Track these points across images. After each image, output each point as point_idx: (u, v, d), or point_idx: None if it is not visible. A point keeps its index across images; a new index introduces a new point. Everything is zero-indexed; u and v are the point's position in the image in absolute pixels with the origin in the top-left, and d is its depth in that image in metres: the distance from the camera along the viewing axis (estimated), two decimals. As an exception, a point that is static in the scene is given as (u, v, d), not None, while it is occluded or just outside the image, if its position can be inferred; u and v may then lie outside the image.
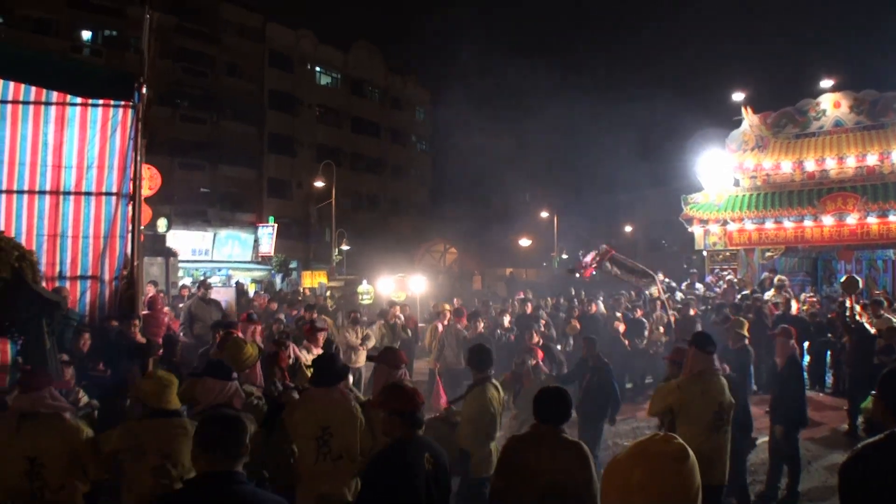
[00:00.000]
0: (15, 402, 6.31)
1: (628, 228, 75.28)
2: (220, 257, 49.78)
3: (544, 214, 70.12)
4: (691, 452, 3.22)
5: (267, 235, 50.87)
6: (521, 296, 25.48)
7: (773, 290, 23.04)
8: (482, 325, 17.44)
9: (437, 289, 35.04)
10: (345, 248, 48.35)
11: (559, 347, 17.58)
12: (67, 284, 11.80)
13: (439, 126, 76.45)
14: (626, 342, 18.79)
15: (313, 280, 39.64)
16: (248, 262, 51.19)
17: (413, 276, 32.32)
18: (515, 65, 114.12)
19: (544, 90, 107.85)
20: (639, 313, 20.49)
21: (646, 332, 19.71)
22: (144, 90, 12.10)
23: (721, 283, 28.88)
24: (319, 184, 47.18)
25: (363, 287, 32.44)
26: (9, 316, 7.62)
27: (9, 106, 11.78)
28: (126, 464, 6.16)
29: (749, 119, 32.42)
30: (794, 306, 20.73)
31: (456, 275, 48.90)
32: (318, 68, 65.07)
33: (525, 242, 66.44)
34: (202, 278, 28.18)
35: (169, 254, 26.05)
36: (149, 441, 6.13)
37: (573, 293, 27.48)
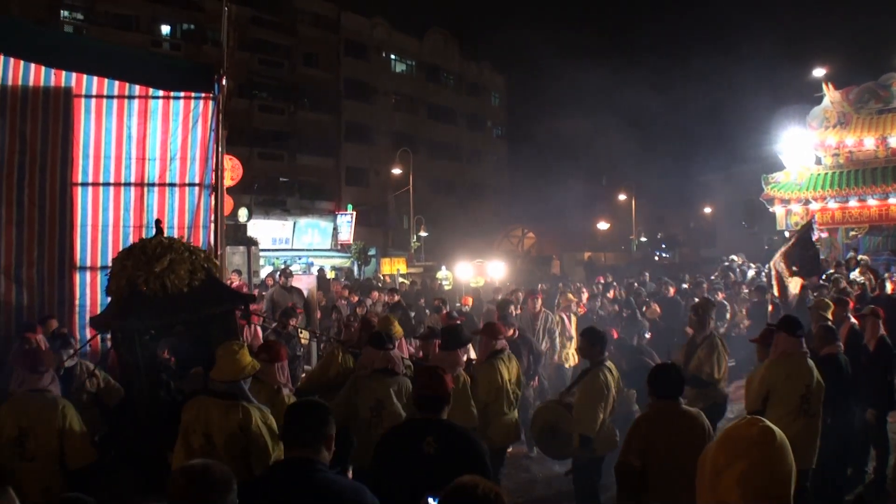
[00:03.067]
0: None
1: (708, 210, 74.34)
2: (301, 246, 50.19)
3: (622, 197, 69.58)
4: (779, 434, 3.18)
5: (346, 223, 51.16)
6: (602, 280, 25.21)
7: (857, 269, 22.50)
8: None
9: (516, 274, 34.94)
10: (423, 234, 48.49)
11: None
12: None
13: (515, 110, 76.24)
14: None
15: (392, 267, 39.80)
16: (328, 250, 51.52)
17: (491, 261, 32.29)
18: (589, 47, 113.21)
19: (620, 71, 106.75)
20: (720, 296, 20.09)
21: (727, 315, 19.27)
22: (224, 82, 12.28)
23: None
24: (397, 171, 47.38)
25: (442, 273, 32.49)
26: (211, 313, 8.24)
27: (93, 100, 12.01)
28: None
29: (830, 95, 31.73)
30: (889, 287, 20.16)
31: (534, 259, 48.74)
32: (392, 56, 65.23)
33: (603, 226, 66.04)
34: (283, 267, 28.47)
35: (250, 243, 26.34)
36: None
37: (646, 277, 27.05)
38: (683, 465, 4.73)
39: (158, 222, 9.18)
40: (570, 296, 17.61)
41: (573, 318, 16.13)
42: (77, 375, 9.28)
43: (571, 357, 15.05)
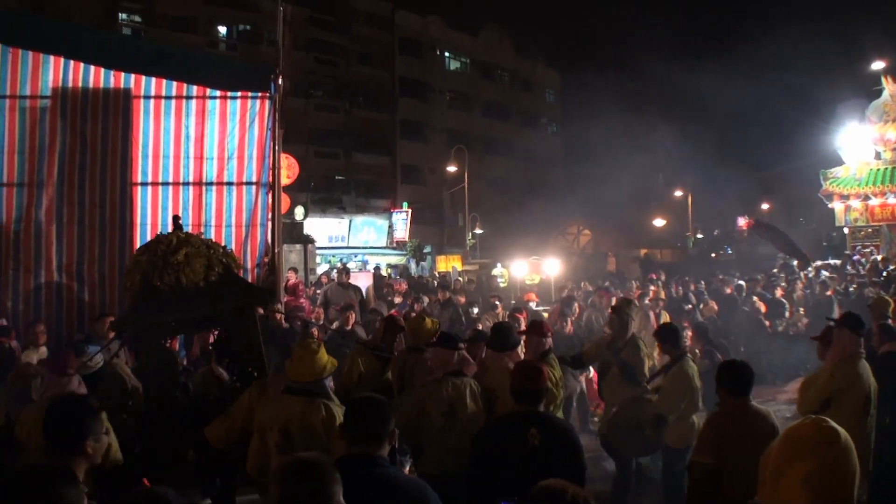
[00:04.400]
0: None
1: (765, 206, 73.35)
2: (356, 243, 50.40)
3: (678, 193, 68.91)
4: (844, 434, 3.14)
5: (401, 221, 51.30)
6: (655, 277, 24.98)
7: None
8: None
9: (571, 271, 34.78)
10: (478, 231, 48.42)
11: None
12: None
13: (569, 107, 75.78)
14: (768, 324, 18.22)
15: (447, 264, 39.84)
16: (384, 248, 51.66)
17: (547, 258, 32.19)
18: (644, 42, 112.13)
19: (675, 67, 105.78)
20: (779, 293, 19.83)
21: (786, 314, 19.03)
22: (280, 81, 12.42)
23: (864, 261, 27.80)
24: (452, 168, 47.36)
25: (497, 270, 32.45)
26: (227, 307, 8.10)
27: (152, 101, 12.22)
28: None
29: (889, 89, 31.22)
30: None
31: (590, 256, 48.46)
32: (447, 53, 65.14)
33: (659, 222, 65.45)
34: (340, 264, 28.64)
35: (307, 241, 26.59)
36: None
37: (702, 284, 26.72)
38: (758, 465, 4.73)
39: (177, 218, 9.28)
40: (656, 291, 17.58)
41: (663, 315, 16.16)
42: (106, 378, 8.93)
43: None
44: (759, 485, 3.33)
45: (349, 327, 12.92)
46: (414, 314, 15.39)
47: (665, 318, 16.05)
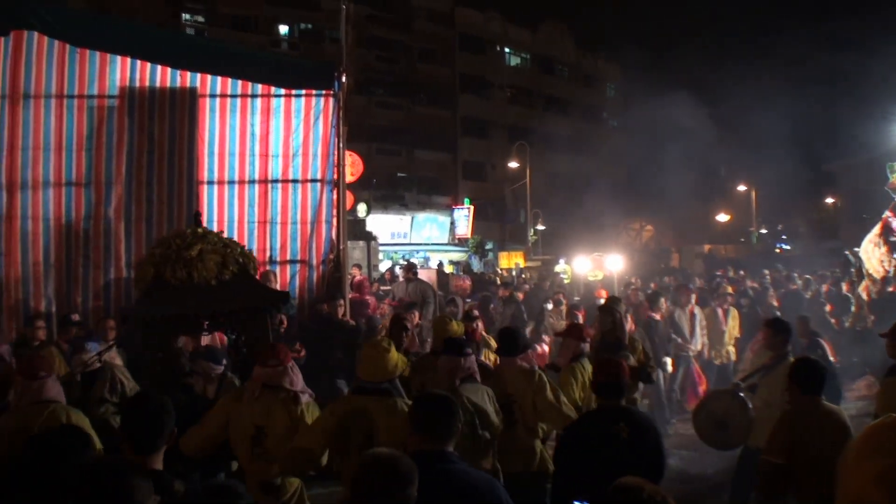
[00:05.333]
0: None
1: (830, 200, 72.16)
2: (418, 240, 50.56)
3: (741, 188, 68.09)
4: None
5: (463, 217, 51.36)
6: (723, 274, 24.69)
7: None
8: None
9: (634, 267, 34.52)
10: (540, 227, 48.30)
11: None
12: (277, 269, 12.27)
13: (631, 101, 75.12)
14: (834, 321, 17.87)
15: (510, 261, 39.80)
16: (445, 244, 51.75)
17: (610, 254, 31.99)
18: (706, 34, 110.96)
19: (737, 60, 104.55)
20: (845, 287, 19.45)
21: (853, 309, 18.63)
22: (344, 79, 12.47)
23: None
24: (513, 164, 47.27)
25: (560, 266, 32.29)
26: (236, 308, 7.95)
27: (217, 99, 12.32)
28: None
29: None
30: None
31: (653, 252, 48.14)
32: (507, 49, 65.04)
33: (722, 217, 64.77)
34: (403, 261, 28.67)
35: (370, 238, 26.65)
36: None
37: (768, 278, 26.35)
38: (831, 464, 4.64)
39: (198, 214, 9.21)
40: (730, 288, 17.38)
41: (732, 312, 15.98)
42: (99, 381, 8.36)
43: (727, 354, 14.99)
44: (838, 481, 3.27)
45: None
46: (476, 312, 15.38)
47: (734, 315, 15.86)
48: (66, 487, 3.65)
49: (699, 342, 14.74)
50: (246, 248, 8.79)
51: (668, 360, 13.85)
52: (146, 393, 5.53)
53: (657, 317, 14.18)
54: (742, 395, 8.52)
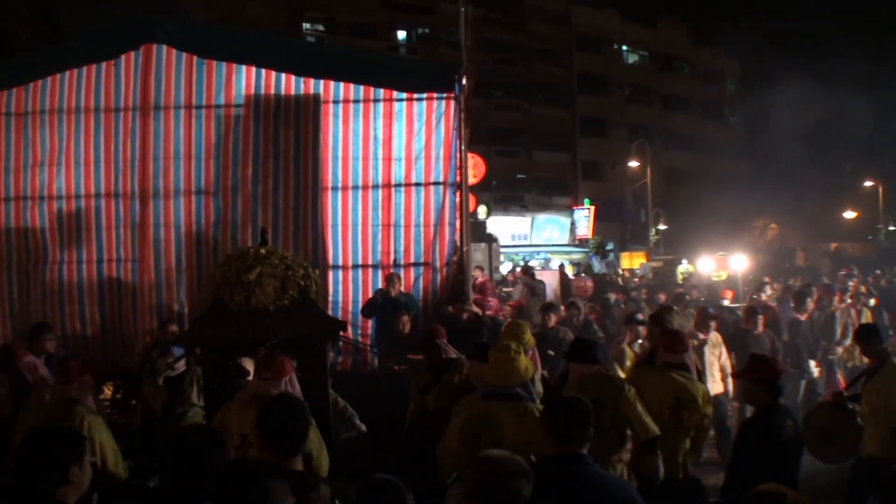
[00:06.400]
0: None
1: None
2: (539, 241, 50.51)
3: (868, 184, 65.96)
4: None
5: (584, 218, 51.13)
6: (848, 272, 23.86)
7: None
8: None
9: (759, 267, 33.81)
10: (661, 227, 47.70)
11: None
12: (402, 272, 12.35)
13: (751, 97, 73.51)
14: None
15: (632, 261, 39.37)
16: (566, 245, 51.57)
17: (734, 254, 31.40)
18: (828, 27, 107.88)
19: (861, 53, 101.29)
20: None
21: None
22: (464, 81, 12.50)
23: None
24: (633, 164, 46.80)
25: (683, 267, 31.86)
26: (292, 335, 7.77)
27: (340, 105, 12.47)
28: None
29: None
30: None
31: (777, 251, 47.03)
32: (624, 47, 64.46)
33: (849, 215, 62.90)
34: (522, 262, 28.62)
35: (491, 240, 26.60)
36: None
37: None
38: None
39: (264, 231, 8.99)
40: (863, 287, 16.85)
41: (865, 313, 15.33)
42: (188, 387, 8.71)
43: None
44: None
45: (551, 325, 12.79)
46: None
47: (867, 316, 15.30)
48: (202, 487, 3.72)
49: (844, 344, 14.18)
50: (311, 269, 8.59)
51: (813, 363, 13.44)
52: (285, 396, 5.62)
53: (802, 318, 13.77)
54: (848, 405, 8.16)
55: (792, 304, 14.52)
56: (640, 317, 11.79)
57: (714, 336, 11.73)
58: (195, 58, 12.35)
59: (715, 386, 11.14)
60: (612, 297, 18.46)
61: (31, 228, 12.47)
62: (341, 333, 9.94)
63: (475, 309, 12.63)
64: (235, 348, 7.75)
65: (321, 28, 49.37)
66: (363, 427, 8.80)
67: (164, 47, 12.27)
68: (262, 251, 8.16)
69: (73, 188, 12.45)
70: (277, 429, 4.45)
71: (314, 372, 7.41)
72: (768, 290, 17.00)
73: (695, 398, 7.20)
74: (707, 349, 11.44)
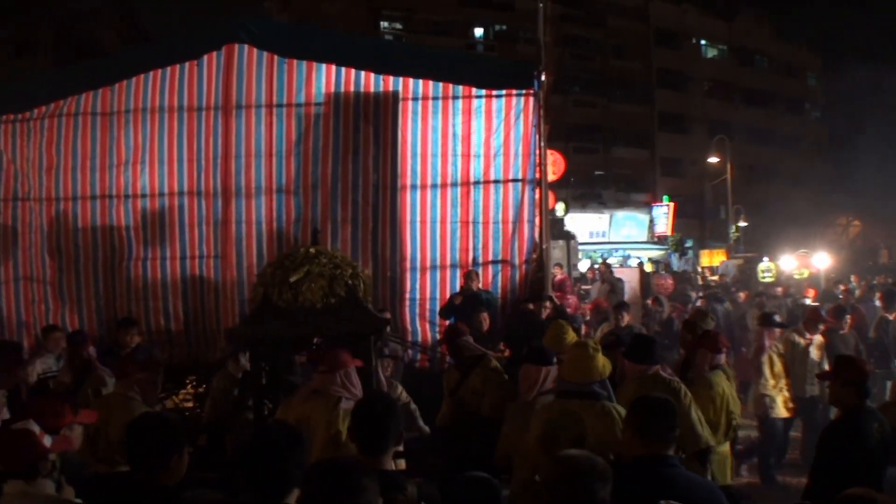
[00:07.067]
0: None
1: None
2: (617, 238, 50.27)
3: (957, 180, 64.22)
4: None
5: (662, 215, 50.77)
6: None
7: None
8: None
9: (841, 265, 33.20)
10: (742, 224, 46.96)
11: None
12: (480, 269, 12.34)
13: (833, 91, 72.01)
14: None
15: (711, 259, 38.87)
16: (644, 243, 51.23)
17: (816, 251, 30.87)
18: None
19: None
20: None
21: None
22: (543, 77, 12.45)
23: None
24: (713, 160, 46.19)
25: (764, 265, 31.36)
26: (337, 334, 7.75)
27: (419, 102, 12.50)
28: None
29: None
30: None
31: (860, 249, 46.06)
32: (703, 42, 63.76)
33: (936, 212, 61.36)
34: (600, 260, 28.46)
35: (569, 237, 26.47)
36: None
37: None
38: None
39: (316, 231, 9.11)
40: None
41: None
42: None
43: None
44: None
45: (624, 324, 12.69)
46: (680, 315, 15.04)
47: None
48: (289, 482, 3.75)
49: None
50: (360, 269, 8.53)
51: None
52: (375, 394, 5.65)
53: (891, 317, 13.45)
54: None
55: (879, 303, 14.18)
56: (777, 318, 11.59)
57: (818, 337, 11.58)
58: (276, 57, 12.46)
59: (813, 388, 11.11)
60: (693, 294, 18.28)
61: (116, 226, 12.67)
62: (391, 334, 10.03)
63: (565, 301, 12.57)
64: (283, 345, 7.88)
65: (399, 26, 49.80)
66: (426, 429, 8.93)
67: (246, 47, 12.42)
68: (312, 250, 8.22)
69: (157, 186, 12.63)
70: (368, 428, 4.46)
71: (361, 371, 7.44)
72: (845, 288, 16.75)
73: (736, 399, 7.18)
74: (812, 349, 11.34)
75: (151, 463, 4.16)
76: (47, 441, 4.56)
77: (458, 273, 12.36)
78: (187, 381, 11.61)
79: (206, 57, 12.56)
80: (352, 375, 6.60)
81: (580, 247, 36.83)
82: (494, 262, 12.48)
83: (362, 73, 12.41)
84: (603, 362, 6.20)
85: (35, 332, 12.44)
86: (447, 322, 11.99)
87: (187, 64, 12.59)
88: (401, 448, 5.72)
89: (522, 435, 6.39)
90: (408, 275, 12.45)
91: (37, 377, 9.25)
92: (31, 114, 12.84)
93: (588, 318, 15.06)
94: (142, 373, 7.27)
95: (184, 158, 12.57)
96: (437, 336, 12.02)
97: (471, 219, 12.38)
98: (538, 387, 6.65)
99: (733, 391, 7.85)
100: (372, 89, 12.45)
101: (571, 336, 8.12)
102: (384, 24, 49.17)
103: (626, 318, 12.82)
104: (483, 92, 12.38)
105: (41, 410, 5.10)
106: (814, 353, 11.38)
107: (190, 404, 10.87)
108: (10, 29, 44.98)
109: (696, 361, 7.71)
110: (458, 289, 12.24)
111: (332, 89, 12.46)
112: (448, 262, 12.53)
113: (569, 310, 14.17)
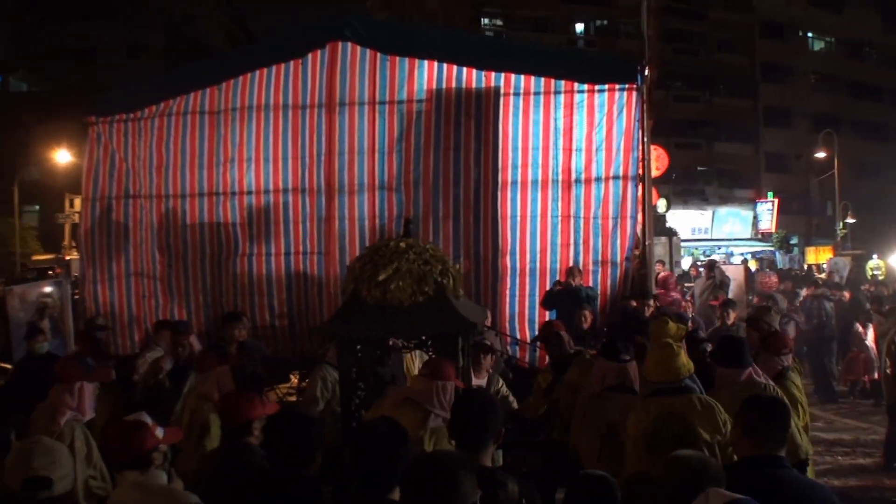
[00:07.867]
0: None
1: None
2: (720, 235, 49.62)
3: None
4: None
5: (766, 211, 49.95)
6: None
7: None
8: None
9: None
10: (849, 221, 45.77)
11: None
12: (581, 265, 12.26)
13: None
14: None
15: (818, 256, 37.98)
16: (748, 239, 50.48)
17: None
18: None
19: None
20: None
21: None
22: (647, 72, 12.32)
23: None
24: (820, 155, 45.16)
25: (873, 262, 30.55)
26: (423, 334, 7.61)
27: (521, 97, 12.45)
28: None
29: None
30: None
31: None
32: (810, 34, 62.41)
33: None
34: (703, 257, 28.07)
35: (671, 233, 26.23)
36: None
37: None
38: None
39: (408, 221, 8.69)
40: None
41: None
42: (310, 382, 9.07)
43: None
44: None
45: (730, 322, 12.48)
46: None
47: None
48: (391, 478, 3.77)
49: None
50: (450, 264, 8.31)
51: None
52: (473, 390, 5.64)
53: None
54: None
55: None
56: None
57: None
58: (378, 54, 12.56)
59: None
60: (803, 292, 17.91)
61: (223, 223, 12.94)
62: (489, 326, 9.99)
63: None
64: (368, 344, 7.63)
65: (499, 23, 49.92)
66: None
67: (349, 45, 12.55)
68: (402, 244, 7.93)
69: (262, 184, 12.85)
70: (467, 422, 4.43)
71: None
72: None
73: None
74: None
75: (300, 457, 4.43)
76: (159, 433, 4.68)
77: (559, 269, 12.29)
78: (290, 375, 11.81)
79: (310, 55, 12.73)
80: (448, 391, 6.34)
81: (682, 244, 36.43)
82: (594, 258, 12.36)
83: (464, 70, 12.42)
84: (684, 362, 6.12)
85: (145, 326, 12.78)
86: (547, 314, 11.98)
87: (292, 62, 12.78)
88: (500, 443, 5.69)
89: (582, 428, 6.58)
90: (508, 271, 12.41)
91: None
92: (142, 113, 13.22)
93: (692, 314, 14.83)
94: (221, 366, 7.43)
95: (288, 156, 12.76)
96: (536, 332, 11.98)
97: (571, 213, 12.26)
98: (604, 382, 6.67)
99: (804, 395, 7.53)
100: (473, 85, 12.44)
101: (673, 329, 7.95)
102: (485, 20, 49.36)
103: (732, 317, 12.61)
104: (585, 87, 12.26)
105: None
106: None
107: (293, 398, 11.04)
108: (123, 32, 46.52)
109: (760, 365, 7.14)
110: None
111: (434, 86, 12.50)
112: (548, 258, 12.45)
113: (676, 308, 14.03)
